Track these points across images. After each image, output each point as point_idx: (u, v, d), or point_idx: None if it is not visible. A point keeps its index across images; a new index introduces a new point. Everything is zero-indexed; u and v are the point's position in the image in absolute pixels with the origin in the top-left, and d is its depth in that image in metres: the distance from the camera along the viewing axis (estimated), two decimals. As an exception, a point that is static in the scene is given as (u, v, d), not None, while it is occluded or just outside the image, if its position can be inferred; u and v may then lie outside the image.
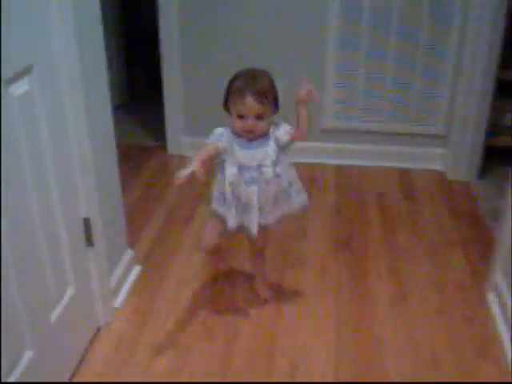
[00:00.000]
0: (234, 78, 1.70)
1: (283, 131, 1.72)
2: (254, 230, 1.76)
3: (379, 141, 3.04)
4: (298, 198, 1.83)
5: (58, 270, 1.64)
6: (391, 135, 3.02)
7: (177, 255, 2.32)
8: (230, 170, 1.71)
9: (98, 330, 1.93)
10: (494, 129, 2.87)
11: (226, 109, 1.73)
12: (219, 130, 1.74)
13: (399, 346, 1.87)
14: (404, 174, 3.01)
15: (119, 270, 2.08)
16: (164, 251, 2.35)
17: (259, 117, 1.66)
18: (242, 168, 1.71)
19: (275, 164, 1.72)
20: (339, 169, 3.05)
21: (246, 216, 1.76)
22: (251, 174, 1.71)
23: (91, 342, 1.87)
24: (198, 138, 2.99)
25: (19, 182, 1.40)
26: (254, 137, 1.69)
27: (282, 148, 1.74)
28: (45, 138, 1.51)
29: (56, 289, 1.63)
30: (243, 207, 1.74)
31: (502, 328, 1.92)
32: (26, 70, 1.41)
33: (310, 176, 2.87)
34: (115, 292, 2.03)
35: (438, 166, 3.03)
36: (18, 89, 1.38)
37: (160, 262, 2.28)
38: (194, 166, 1.58)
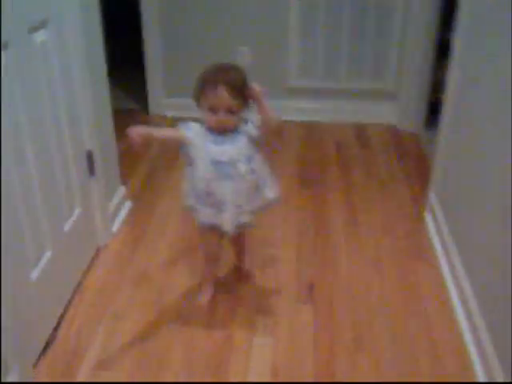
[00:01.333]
0: (207, 71, 1.68)
1: (252, 125, 1.70)
2: (228, 226, 1.75)
3: (337, 98, 3.43)
4: (271, 193, 1.82)
5: (69, 192, 1.98)
6: (348, 93, 3.41)
7: (163, 195, 2.65)
8: (204, 166, 1.69)
9: (98, 250, 2.28)
10: (439, 85, 3.25)
11: (196, 102, 1.70)
12: (189, 123, 1.73)
13: (350, 252, 2.27)
14: (360, 127, 3.40)
15: (114, 202, 2.43)
16: (151, 192, 2.69)
17: (231, 111, 1.64)
18: (216, 163, 1.68)
19: (249, 160, 1.71)
20: (302, 124, 3.43)
21: (219, 212, 1.73)
22: (226, 169, 1.68)
23: (93, 258, 2.22)
24: (178, 99, 3.38)
25: (39, 117, 1.74)
26: (225, 131, 1.68)
27: (254, 142, 1.72)
28: (58, 81, 1.85)
29: (68, 206, 1.98)
30: (218, 204, 1.72)
31: (434, 238, 2.33)
32: (44, 23, 1.74)
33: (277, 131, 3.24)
34: (112, 219, 2.39)
35: (389, 120, 3.42)
36: (39, 37, 1.71)
37: (148, 200, 2.63)
38: (139, 130, 1.63)
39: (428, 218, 2.46)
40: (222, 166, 1.68)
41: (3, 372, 1.55)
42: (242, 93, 1.64)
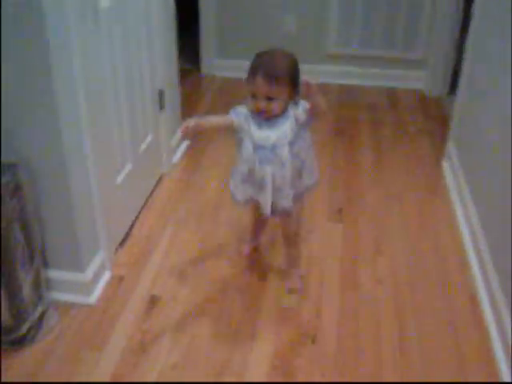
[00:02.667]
0: (255, 57, 1.69)
1: (301, 109, 1.71)
2: (267, 209, 1.78)
3: (371, 64, 3.79)
4: (309, 180, 1.86)
5: (145, 120, 2.41)
6: (381, 60, 3.76)
7: (215, 140, 3.05)
8: (246, 149, 1.73)
9: (162, 175, 2.70)
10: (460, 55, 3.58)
11: (247, 84, 1.72)
12: (238, 108, 1.76)
13: (374, 185, 2.66)
14: (391, 91, 3.76)
15: (176, 137, 2.85)
16: (204, 136, 3.08)
17: (270, 98, 1.65)
18: (256, 147, 1.71)
19: (292, 145, 1.72)
20: (339, 87, 3.80)
21: (260, 195, 1.78)
22: (265, 153, 1.71)
23: (158, 180, 2.65)
24: (228, 60, 3.79)
25: (129, 60, 2.16)
26: (268, 116, 1.69)
27: (300, 126, 1.73)
28: (142, 31, 2.26)
29: (143, 131, 2.41)
30: (258, 186, 1.77)
31: (450, 180, 2.70)
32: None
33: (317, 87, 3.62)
34: (174, 151, 2.82)
35: (418, 85, 3.77)
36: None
37: (202, 142, 3.03)
38: (190, 124, 1.68)
39: (445, 165, 2.83)
40: (263, 151, 1.70)
41: (92, 254, 1.97)
42: (284, 80, 1.63)
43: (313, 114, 1.71)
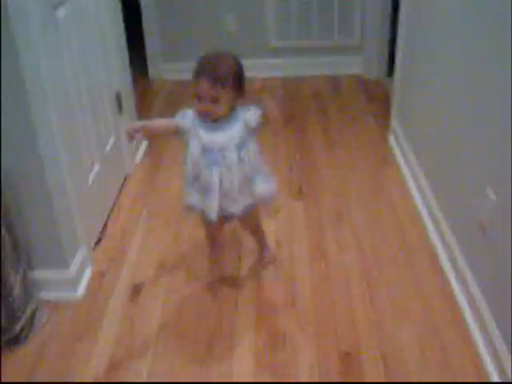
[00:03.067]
0: (199, 60, 1.71)
1: (252, 114, 1.73)
2: (213, 215, 1.76)
3: (311, 54, 3.98)
4: (264, 186, 1.83)
5: (106, 123, 2.51)
6: (320, 49, 3.96)
7: (173, 139, 3.15)
8: (192, 151, 1.73)
9: (126, 175, 2.80)
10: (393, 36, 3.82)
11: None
12: (185, 111, 1.76)
13: (329, 163, 2.84)
14: (332, 78, 3.95)
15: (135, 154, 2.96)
16: (161, 139, 3.18)
17: (214, 100, 1.66)
18: (204, 150, 1.71)
19: (239, 148, 1.72)
20: (283, 79, 3.97)
21: (206, 199, 1.77)
22: (213, 156, 1.71)
23: (124, 179, 2.75)
24: (174, 63, 3.90)
25: (87, 64, 2.26)
26: (213, 119, 1.70)
27: (250, 131, 1.74)
28: (96, 38, 2.37)
29: (107, 133, 2.52)
30: (204, 190, 1.76)
31: (397, 151, 2.90)
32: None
33: (263, 83, 3.79)
34: (134, 153, 2.92)
35: (357, 71, 3.98)
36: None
37: (160, 143, 3.13)
38: (134, 126, 1.76)
39: (391, 138, 3.03)
40: (210, 154, 1.70)
41: (74, 250, 2.06)
42: (228, 83, 1.65)
43: (264, 119, 1.74)
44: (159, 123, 1.87)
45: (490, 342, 1.67)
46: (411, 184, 2.59)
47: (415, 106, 2.66)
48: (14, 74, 1.68)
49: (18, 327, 1.86)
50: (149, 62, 4.04)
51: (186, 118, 1.74)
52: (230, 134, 1.70)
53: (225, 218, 1.86)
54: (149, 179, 2.80)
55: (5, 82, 1.69)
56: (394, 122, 3.02)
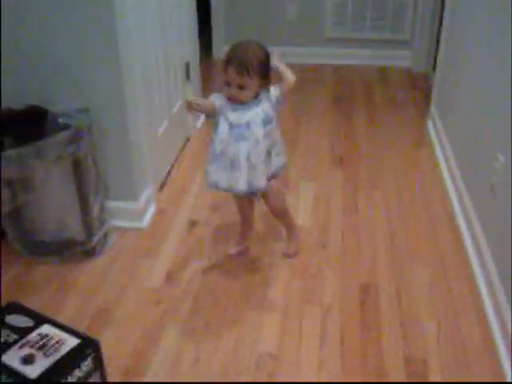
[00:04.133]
0: (230, 48, 1.83)
1: (273, 90, 1.87)
2: (241, 186, 1.86)
3: (363, 46, 4.28)
4: (277, 160, 1.96)
5: (175, 88, 2.89)
6: (371, 41, 4.26)
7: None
8: (222, 128, 1.84)
9: (188, 138, 3.18)
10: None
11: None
12: (216, 94, 1.88)
13: (369, 140, 3.15)
14: (381, 69, 4.25)
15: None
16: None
17: (241, 87, 1.78)
18: (232, 126, 1.82)
19: (266, 123, 1.84)
20: (335, 67, 4.29)
21: (233, 173, 1.85)
22: (241, 131, 1.81)
23: (186, 140, 3.12)
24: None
25: (163, 33, 2.64)
26: (241, 102, 1.82)
27: (272, 107, 1.87)
28: (169, 14, 2.75)
29: (175, 97, 2.89)
30: (231, 164, 1.84)
31: (432, 133, 3.19)
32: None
33: (316, 71, 4.12)
34: (196, 118, 3.30)
35: (405, 63, 4.26)
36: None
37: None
38: (191, 99, 1.85)
39: (429, 123, 3.31)
40: (238, 129, 1.82)
41: (143, 187, 2.44)
42: (254, 71, 1.76)
43: (284, 86, 1.87)
44: (206, 103, 1.92)
45: (490, 285, 1.96)
46: (442, 163, 2.87)
47: (452, 95, 2.94)
48: (108, 22, 2.04)
49: (93, 241, 2.24)
50: (214, 44, 4.40)
51: (218, 99, 1.86)
52: (255, 111, 1.82)
53: (253, 195, 2.00)
54: (207, 141, 3.15)
55: (99, 29, 2.05)
56: (433, 110, 3.30)
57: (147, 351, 1.79)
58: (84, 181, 2.15)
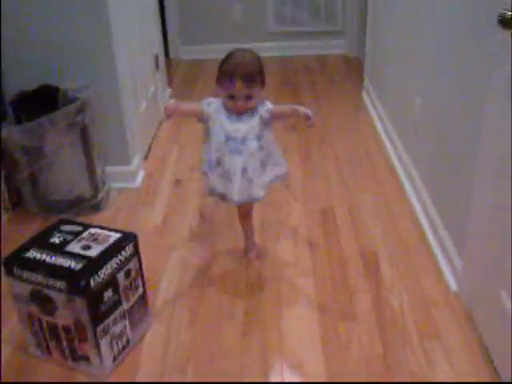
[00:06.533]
0: (226, 60, 1.84)
1: (266, 109, 1.87)
2: (235, 197, 1.89)
3: (302, 38, 4.88)
4: (276, 169, 1.99)
5: (149, 76, 3.38)
6: (309, 33, 4.87)
7: (197, 87, 4.04)
8: (217, 139, 1.86)
9: (161, 122, 3.67)
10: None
11: (218, 87, 1.87)
12: (210, 99, 1.90)
13: (315, 111, 3.70)
14: (319, 57, 4.85)
15: (166, 93, 3.83)
16: (189, 88, 4.05)
17: (248, 98, 1.81)
18: (228, 138, 1.84)
19: (259, 138, 1.86)
20: (279, 58, 4.86)
21: (228, 183, 1.89)
22: (236, 144, 1.84)
23: (159, 123, 3.61)
24: (191, 46, 4.79)
25: (140, 32, 3.14)
26: (240, 112, 1.85)
27: (266, 124, 1.89)
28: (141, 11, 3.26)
29: (149, 83, 3.38)
30: (225, 174, 1.88)
31: (367, 100, 3.80)
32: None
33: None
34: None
35: (339, 51, 4.89)
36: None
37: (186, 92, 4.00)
38: (170, 104, 1.88)
39: (364, 94, 3.93)
40: (233, 142, 1.84)
41: (133, 154, 2.91)
42: (256, 79, 1.82)
43: (276, 115, 1.92)
44: (189, 106, 2.00)
45: (420, 198, 2.53)
46: (375, 118, 3.48)
47: (379, 68, 3.56)
48: (102, 14, 2.53)
49: (99, 197, 2.70)
50: (169, 43, 4.91)
51: (211, 106, 1.89)
52: (250, 124, 1.86)
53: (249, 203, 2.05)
54: (178, 123, 3.66)
55: (95, 21, 2.54)
56: (366, 83, 3.91)
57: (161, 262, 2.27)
58: (90, 146, 2.61)
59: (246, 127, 1.85)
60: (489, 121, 1.71)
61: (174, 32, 4.88)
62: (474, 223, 1.85)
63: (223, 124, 1.86)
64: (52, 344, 1.79)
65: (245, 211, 2.14)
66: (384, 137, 3.24)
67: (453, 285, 2.06)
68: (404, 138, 2.87)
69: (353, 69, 4.55)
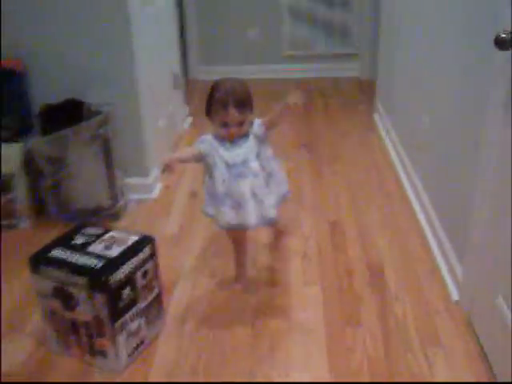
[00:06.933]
0: (215, 90, 1.87)
1: (257, 125, 1.90)
2: (252, 221, 1.91)
3: (318, 60, 5.03)
4: (278, 188, 2.02)
5: (167, 94, 3.54)
6: (325, 56, 5.02)
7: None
8: (220, 170, 1.88)
9: (179, 136, 3.81)
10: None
11: (208, 116, 1.91)
12: (202, 137, 1.95)
13: (327, 130, 3.84)
14: (334, 79, 5.00)
15: (184, 111, 3.98)
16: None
17: (241, 124, 1.85)
18: (230, 167, 1.87)
19: (258, 157, 1.90)
20: (295, 80, 5.01)
21: (242, 211, 1.89)
22: (239, 169, 1.87)
23: (177, 138, 3.75)
24: (209, 66, 4.96)
25: (159, 50, 3.30)
26: (231, 140, 1.89)
27: (262, 141, 1.92)
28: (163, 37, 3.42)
29: (168, 100, 3.53)
30: (238, 204, 1.89)
31: (378, 122, 3.92)
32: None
33: (278, 86, 4.84)
34: (184, 120, 3.94)
35: (354, 73, 5.03)
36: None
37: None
38: (166, 160, 1.91)
39: (376, 115, 4.05)
40: (235, 168, 1.87)
41: (151, 167, 3.04)
42: (247, 105, 1.87)
43: (268, 125, 1.93)
44: (185, 153, 2.13)
45: (427, 214, 2.63)
46: (387, 142, 3.59)
47: (391, 91, 3.68)
48: (126, 39, 2.69)
49: (117, 207, 2.83)
50: (189, 64, 5.09)
51: (205, 143, 1.93)
52: (247, 146, 1.90)
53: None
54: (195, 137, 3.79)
55: (120, 45, 2.70)
56: (378, 104, 4.04)
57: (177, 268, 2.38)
58: (110, 158, 2.75)
59: (244, 150, 1.89)
60: (487, 134, 1.81)
61: (193, 53, 5.05)
62: (473, 233, 1.94)
63: (221, 155, 1.90)
64: (72, 339, 1.89)
65: (240, 236, 2.15)
66: (393, 154, 3.35)
67: (454, 294, 2.14)
68: (411, 156, 2.97)
69: (365, 90, 4.68)
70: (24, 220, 2.76)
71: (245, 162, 1.88)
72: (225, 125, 1.86)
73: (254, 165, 1.89)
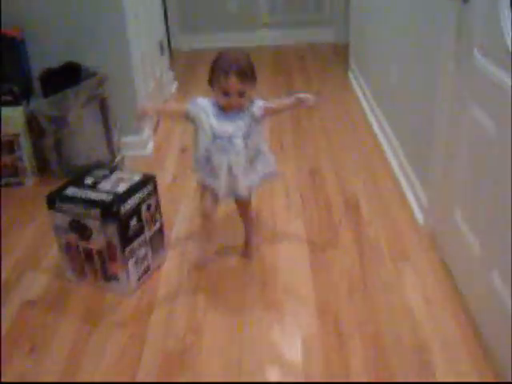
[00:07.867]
0: (219, 59, 1.88)
1: (257, 107, 1.91)
2: (221, 192, 1.97)
3: (293, 27, 5.27)
4: (264, 167, 2.03)
5: (154, 60, 3.76)
6: (300, 23, 5.26)
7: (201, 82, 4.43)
8: (204, 138, 1.93)
9: (166, 100, 4.04)
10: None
11: (210, 85, 1.92)
12: (198, 100, 1.95)
13: (305, 89, 4.10)
14: (311, 45, 5.25)
15: (169, 75, 4.22)
16: (191, 75, 4.44)
17: (241, 94, 1.86)
18: (215, 137, 1.90)
19: (246, 137, 1.91)
20: (272, 47, 5.25)
21: (216, 181, 1.97)
22: (223, 144, 1.90)
23: (164, 101, 3.99)
24: (188, 35, 5.18)
25: (148, 17, 3.53)
26: (232, 109, 1.89)
27: (256, 121, 1.93)
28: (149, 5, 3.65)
29: (161, 68, 3.76)
30: (213, 171, 1.95)
31: (352, 79, 4.19)
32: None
33: (258, 51, 5.08)
34: (171, 84, 4.18)
35: (328, 38, 5.29)
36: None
37: (189, 83, 4.40)
38: (147, 107, 2.04)
39: (350, 74, 4.32)
40: (220, 140, 1.90)
41: (144, 125, 3.29)
42: (249, 77, 1.87)
43: (271, 112, 1.97)
44: (170, 108, 2.15)
45: (396, 155, 2.92)
46: (362, 98, 3.86)
47: (363, 52, 3.95)
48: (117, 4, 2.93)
49: (115, 161, 3.07)
50: (170, 33, 5.29)
51: (196, 106, 1.95)
52: (238, 124, 1.91)
53: (237, 198, 2.11)
54: (182, 101, 4.03)
55: (112, 11, 2.93)
56: (352, 63, 4.31)
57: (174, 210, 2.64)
58: (108, 116, 2.99)
59: (233, 127, 1.91)
60: (441, 78, 2.10)
61: (174, 21, 5.26)
62: (434, 164, 2.24)
63: (211, 123, 1.92)
64: (87, 267, 2.16)
65: (242, 205, 2.21)
66: (365, 105, 3.66)
67: (420, 217, 2.45)
68: (382, 105, 3.27)
69: (340, 53, 4.95)
70: (29, 177, 2.98)
71: (230, 138, 1.90)
72: (225, 93, 1.87)
73: (238, 143, 1.91)
